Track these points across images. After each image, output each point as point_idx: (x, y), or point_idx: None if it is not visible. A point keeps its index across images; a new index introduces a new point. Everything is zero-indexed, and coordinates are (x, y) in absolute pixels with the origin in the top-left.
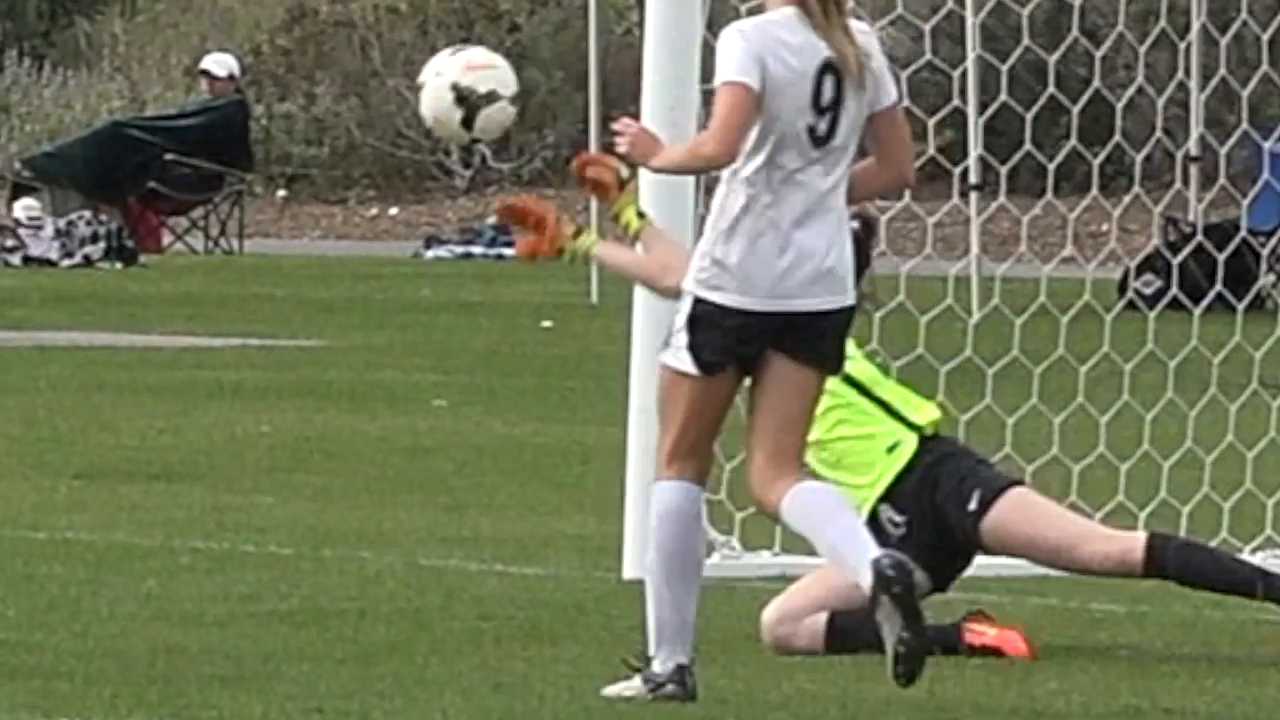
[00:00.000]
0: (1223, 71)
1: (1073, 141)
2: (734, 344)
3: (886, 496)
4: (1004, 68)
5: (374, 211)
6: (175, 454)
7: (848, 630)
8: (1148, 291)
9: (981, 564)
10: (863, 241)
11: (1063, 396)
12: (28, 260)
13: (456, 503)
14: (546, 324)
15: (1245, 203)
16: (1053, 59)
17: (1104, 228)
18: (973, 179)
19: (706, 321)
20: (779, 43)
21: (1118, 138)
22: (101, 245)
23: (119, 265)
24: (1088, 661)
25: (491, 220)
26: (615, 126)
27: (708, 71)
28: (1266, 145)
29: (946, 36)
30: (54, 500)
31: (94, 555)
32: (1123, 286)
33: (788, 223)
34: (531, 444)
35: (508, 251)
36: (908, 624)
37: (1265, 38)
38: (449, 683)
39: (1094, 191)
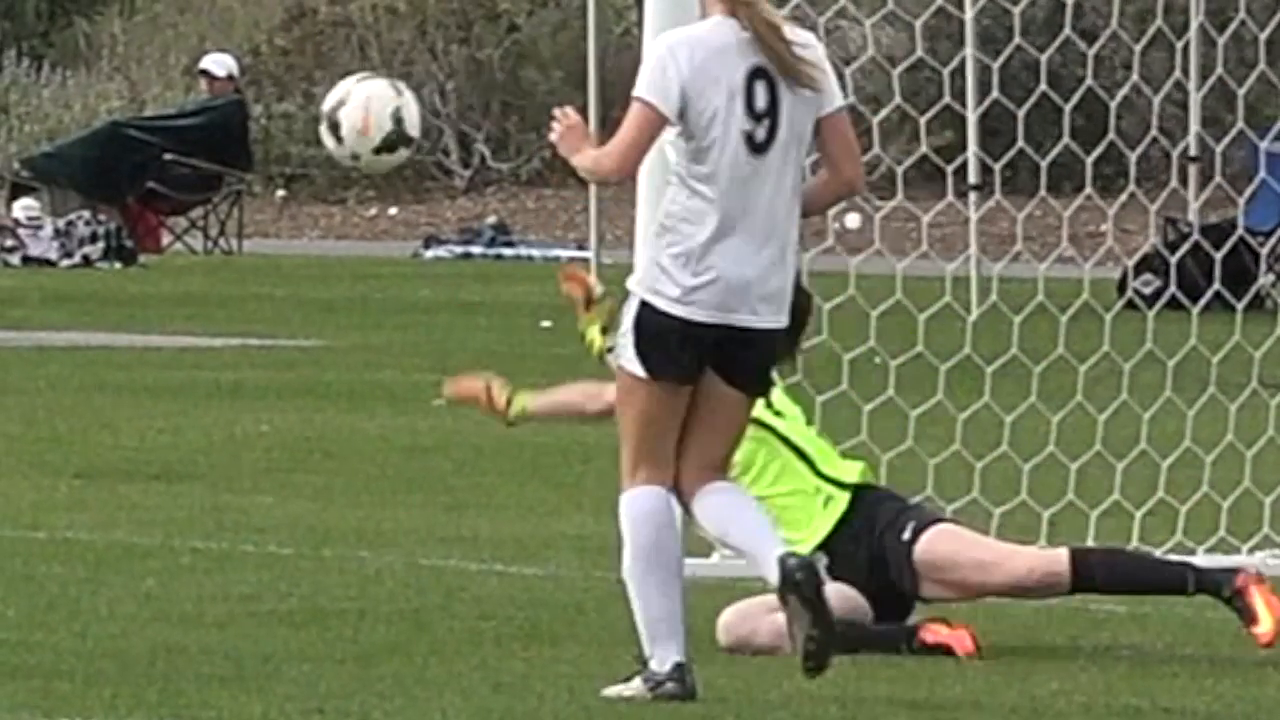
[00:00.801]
0: (1219, 70)
1: (1066, 140)
2: (676, 347)
3: (823, 545)
4: (995, 64)
5: (373, 211)
6: (175, 454)
7: None
8: (1147, 291)
9: None
10: (802, 308)
11: (1061, 395)
12: (27, 260)
13: (456, 503)
14: (546, 324)
15: (1241, 201)
16: (1043, 56)
17: (1102, 227)
18: (971, 179)
19: (650, 324)
20: (708, 51)
21: (1113, 136)
22: (101, 245)
23: (118, 265)
24: (1088, 661)
25: (491, 221)
26: (554, 113)
27: None
28: (1263, 145)
29: (945, 37)
30: (54, 500)
31: (94, 555)
32: (1122, 286)
33: (726, 231)
34: (531, 444)
35: (507, 251)
36: (815, 622)
37: (1263, 37)
38: (449, 683)
39: (1092, 191)
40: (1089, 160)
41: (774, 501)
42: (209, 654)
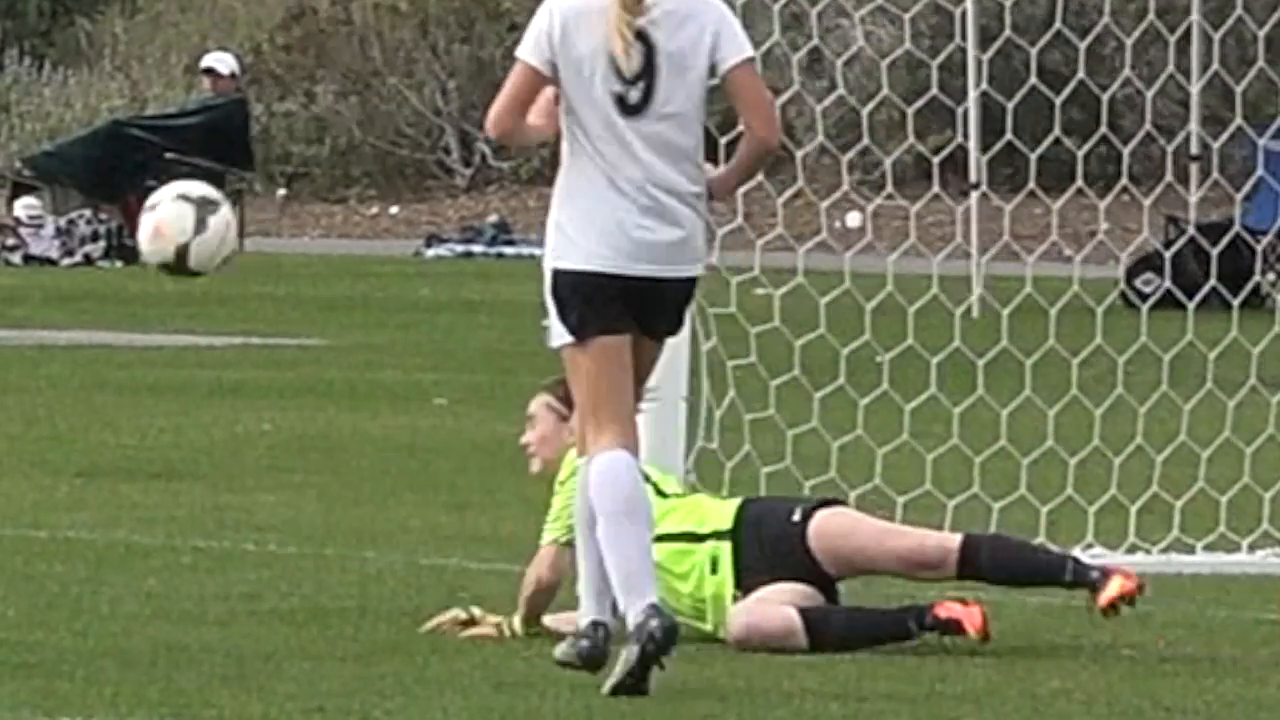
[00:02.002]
0: (1215, 66)
1: (1057, 132)
2: (598, 303)
3: (736, 578)
4: (984, 57)
5: (374, 210)
6: (176, 453)
7: (823, 626)
8: (1147, 290)
9: None
10: None
11: (1058, 391)
12: (28, 259)
13: (457, 501)
14: (547, 323)
15: (1238, 197)
16: (1034, 50)
17: (1103, 226)
18: (972, 178)
19: (565, 289)
20: (584, 13)
21: (1108, 133)
22: (102, 244)
23: (119, 264)
24: (1089, 660)
25: (492, 219)
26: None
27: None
28: (1261, 142)
29: (945, 35)
30: (55, 499)
31: (95, 554)
32: (1127, 283)
33: (610, 189)
34: None
35: (508, 250)
36: (638, 670)
37: (1262, 35)
38: (450, 682)
39: (1092, 189)
40: (1080, 153)
41: (664, 578)
42: (210, 653)
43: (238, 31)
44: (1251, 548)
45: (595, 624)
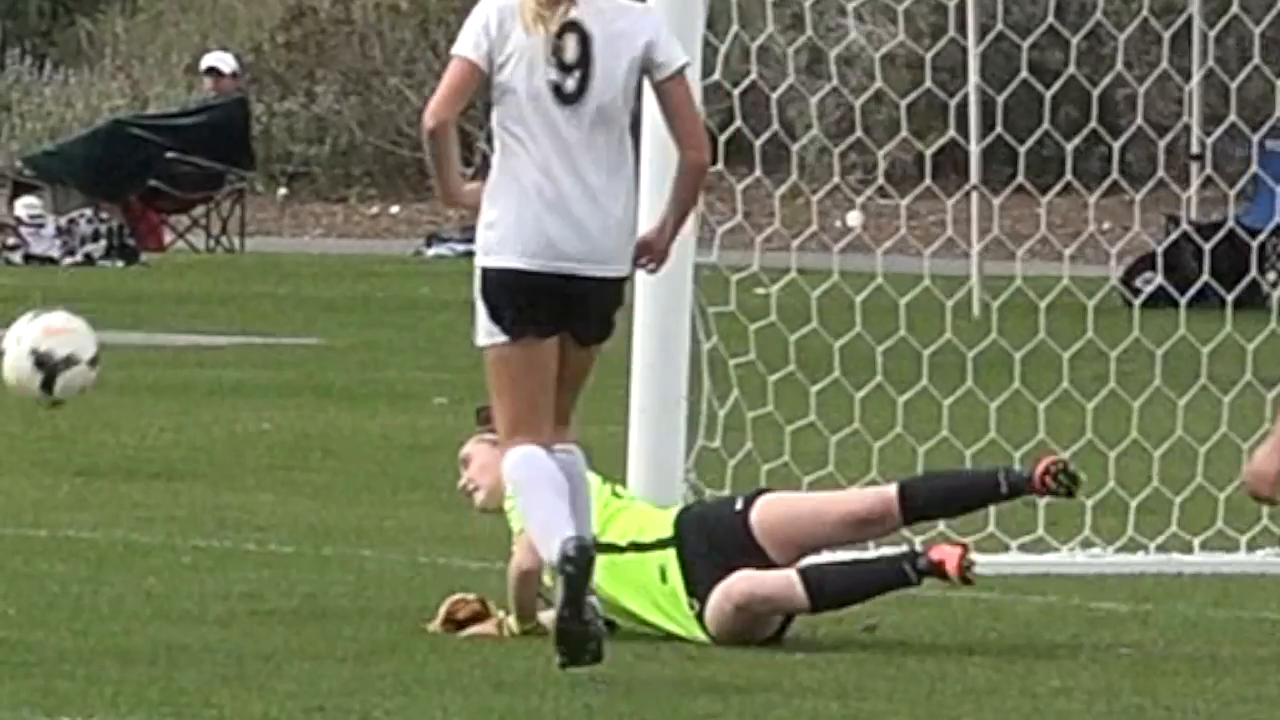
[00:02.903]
0: (1210, 63)
1: (1045, 125)
2: (525, 305)
3: (688, 586)
4: (974, 51)
5: (375, 210)
6: (176, 452)
7: (821, 584)
8: (1147, 289)
9: (982, 562)
10: None
11: (1048, 387)
12: (29, 258)
13: (457, 501)
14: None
15: (1231, 194)
16: (1025, 45)
17: (1105, 225)
18: (973, 178)
19: (495, 287)
20: (512, 9)
21: (1100, 130)
22: (103, 243)
23: (120, 263)
24: (1089, 660)
25: None
26: None
27: (708, 69)
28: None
29: (946, 35)
30: (55, 498)
31: (95, 553)
32: (1125, 283)
33: (546, 184)
34: None
35: None
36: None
37: (1258, 33)
38: (449, 681)
39: (1093, 189)
40: (1069, 147)
41: (614, 601)
42: (210, 652)
43: (238, 31)
44: (1250, 545)
45: (570, 537)
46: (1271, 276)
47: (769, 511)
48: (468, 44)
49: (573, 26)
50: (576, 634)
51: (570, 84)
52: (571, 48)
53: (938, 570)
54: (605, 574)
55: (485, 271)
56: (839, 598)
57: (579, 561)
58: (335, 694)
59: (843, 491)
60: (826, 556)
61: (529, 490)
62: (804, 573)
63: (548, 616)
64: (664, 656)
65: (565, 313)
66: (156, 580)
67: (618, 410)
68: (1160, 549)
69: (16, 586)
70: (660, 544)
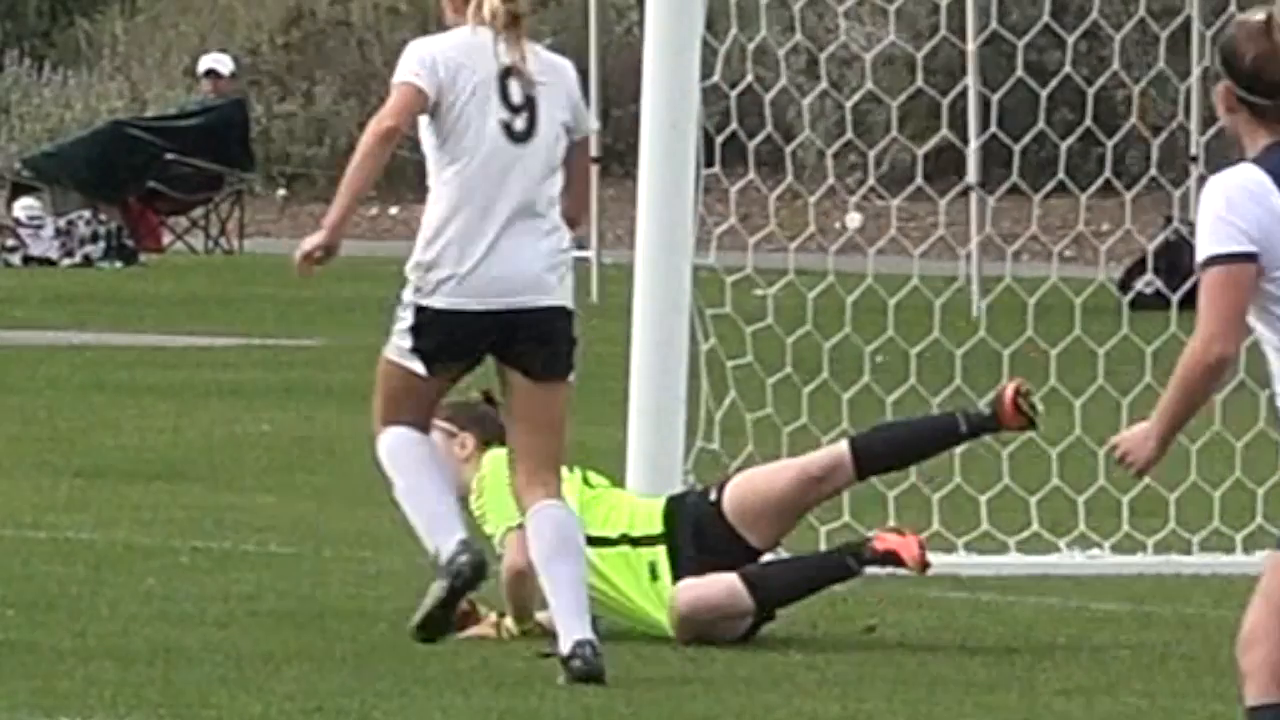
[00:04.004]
0: (1206, 62)
1: (1040, 127)
2: (456, 343)
3: (674, 569)
4: (973, 51)
5: (374, 211)
6: (175, 453)
7: (764, 582)
8: (1147, 291)
9: (981, 563)
10: None
11: (1036, 382)
12: (28, 260)
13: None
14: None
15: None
16: (1020, 43)
17: (1104, 227)
18: (972, 178)
19: (427, 329)
20: (457, 50)
21: (1093, 128)
22: (101, 245)
23: (119, 265)
24: (1089, 660)
25: None
26: None
27: (707, 70)
28: None
29: (944, 36)
30: (54, 499)
31: (94, 554)
32: (1123, 286)
33: (492, 223)
34: None
35: None
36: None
37: None
38: (449, 682)
39: (1094, 189)
40: (1063, 146)
41: (609, 599)
42: (209, 653)
43: (237, 32)
44: (1247, 545)
45: (461, 541)
46: None
47: (734, 492)
48: (423, 76)
49: (513, 71)
50: (439, 622)
51: (520, 124)
52: (516, 90)
53: (893, 559)
54: (593, 568)
55: (420, 309)
56: (782, 594)
57: (471, 580)
58: (334, 695)
59: (792, 459)
60: (769, 556)
61: (409, 478)
62: (745, 575)
63: (545, 616)
64: (664, 656)
65: (504, 348)
66: (155, 581)
67: (617, 411)
68: (1158, 549)
69: (16, 587)
70: (650, 540)
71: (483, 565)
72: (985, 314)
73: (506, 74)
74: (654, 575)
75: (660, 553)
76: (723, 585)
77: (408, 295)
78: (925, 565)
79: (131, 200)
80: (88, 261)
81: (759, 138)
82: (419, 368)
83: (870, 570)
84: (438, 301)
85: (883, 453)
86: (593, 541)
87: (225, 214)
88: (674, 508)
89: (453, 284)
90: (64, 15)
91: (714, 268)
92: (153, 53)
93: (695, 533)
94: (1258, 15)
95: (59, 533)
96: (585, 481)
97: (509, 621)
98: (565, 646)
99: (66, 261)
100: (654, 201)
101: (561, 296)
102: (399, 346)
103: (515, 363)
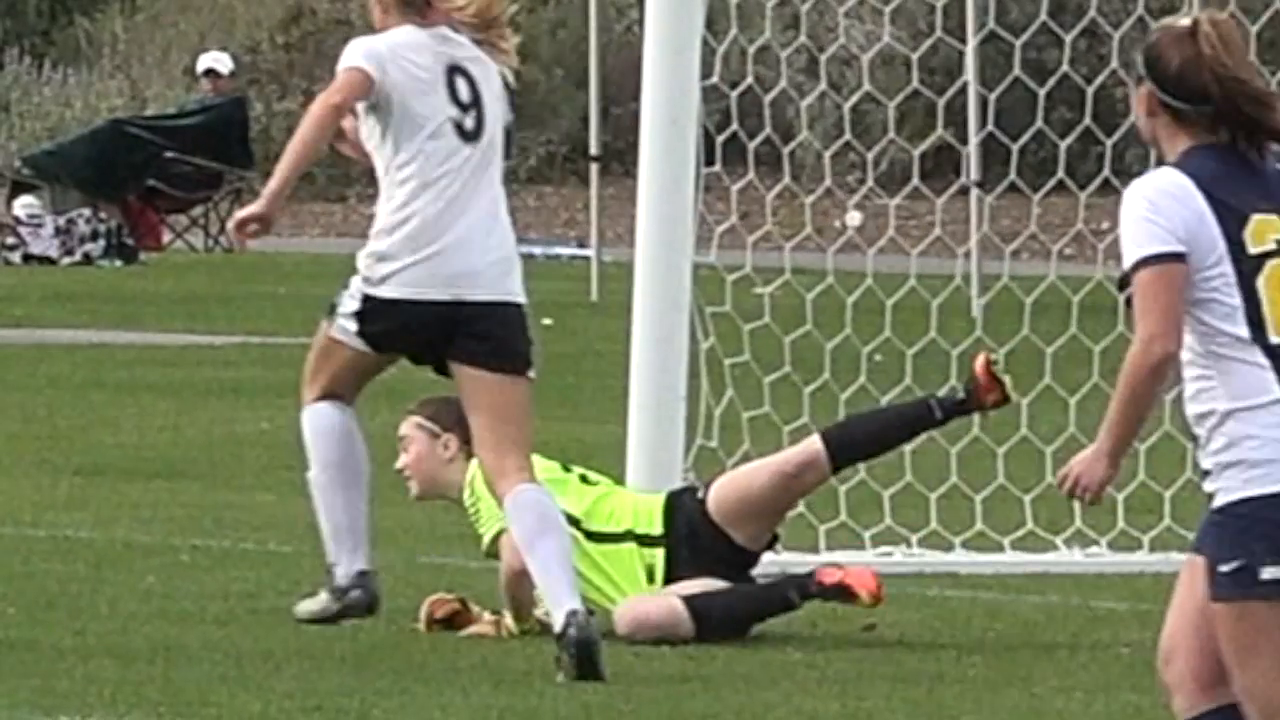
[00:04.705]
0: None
1: (1038, 127)
2: (402, 332)
3: (668, 572)
4: (972, 50)
5: (374, 209)
6: (175, 451)
7: (707, 610)
8: None
9: (981, 561)
10: None
11: (1029, 381)
12: (28, 258)
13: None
14: (546, 321)
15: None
16: (1018, 42)
17: (1103, 225)
18: (973, 176)
19: (374, 316)
20: (404, 48)
21: (1090, 127)
22: (101, 243)
23: (119, 263)
24: (1089, 659)
25: None
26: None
27: (707, 69)
28: None
29: (946, 33)
30: (54, 498)
31: (94, 553)
32: (1122, 284)
33: (445, 218)
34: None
35: None
36: (580, 675)
37: (1254, 31)
38: (448, 681)
39: (1093, 190)
40: (1062, 145)
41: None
42: (209, 651)
43: (237, 31)
44: None
45: (363, 573)
46: None
47: (717, 493)
48: (372, 64)
49: (459, 69)
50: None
51: (469, 122)
52: (464, 88)
53: (842, 595)
54: (593, 563)
55: (369, 298)
56: (722, 623)
57: (359, 615)
58: (333, 693)
59: (769, 457)
60: (716, 584)
61: (328, 474)
62: (689, 601)
63: (542, 612)
64: (664, 655)
65: (454, 342)
66: (155, 579)
67: (617, 408)
68: (1155, 546)
69: (16, 586)
70: (652, 540)
71: (375, 603)
72: (984, 312)
73: (453, 72)
74: (650, 577)
75: (658, 556)
76: (665, 608)
77: (355, 283)
78: (879, 600)
79: (131, 198)
80: (88, 260)
81: (759, 138)
82: (363, 346)
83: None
84: (385, 291)
85: (856, 443)
86: (598, 537)
87: (225, 212)
88: (672, 508)
89: (402, 274)
90: (64, 14)
91: (714, 266)
92: (152, 51)
93: (689, 534)
94: (1183, 20)
95: (59, 531)
96: (583, 479)
97: (509, 620)
98: (559, 619)
99: (66, 260)
100: (654, 199)
101: (513, 290)
102: (344, 328)
103: (468, 357)
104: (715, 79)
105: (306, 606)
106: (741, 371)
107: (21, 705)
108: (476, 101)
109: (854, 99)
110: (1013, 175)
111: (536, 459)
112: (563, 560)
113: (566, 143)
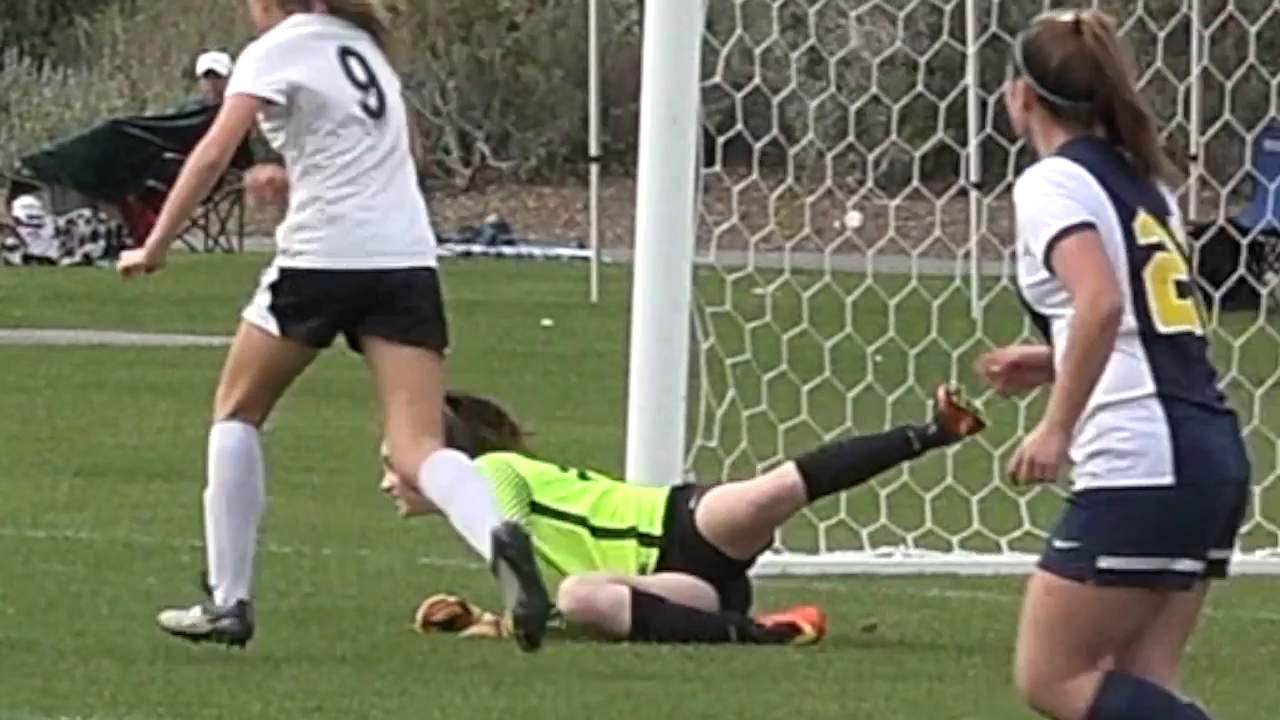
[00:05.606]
0: (1205, 63)
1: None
2: (317, 306)
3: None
4: (969, 50)
5: None
6: (175, 452)
7: (651, 612)
8: None
9: (980, 561)
10: None
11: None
12: (28, 259)
13: None
14: (546, 322)
15: (1223, 194)
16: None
17: None
18: (972, 176)
19: (290, 287)
20: (299, 41)
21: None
22: (101, 244)
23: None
24: None
25: (491, 219)
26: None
27: (707, 69)
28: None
29: (947, 33)
30: (54, 498)
31: (94, 553)
32: None
33: (361, 193)
34: (531, 442)
35: (507, 250)
36: (525, 589)
37: (1253, 31)
38: (448, 682)
39: None
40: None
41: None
42: (209, 652)
43: (237, 31)
44: (1247, 545)
45: (241, 603)
46: (1270, 277)
47: (706, 512)
48: (261, 84)
49: (349, 51)
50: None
51: (373, 101)
52: (358, 68)
53: (785, 633)
54: (593, 558)
55: (285, 270)
56: (660, 631)
57: (230, 643)
58: (334, 694)
59: (754, 480)
60: (700, 585)
61: (224, 497)
62: (639, 599)
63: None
64: (663, 655)
65: (370, 313)
66: (156, 580)
67: (617, 409)
68: None
69: (16, 586)
70: (652, 540)
71: (247, 635)
72: (984, 313)
73: (345, 54)
74: (642, 574)
75: (653, 557)
76: (612, 598)
77: (278, 261)
78: (822, 632)
79: (131, 199)
80: (87, 260)
81: (764, 140)
82: (273, 327)
83: (865, 579)
84: (301, 262)
85: (833, 474)
86: (603, 533)
87: (225, 213)
88: (672, 509)
89: (317, 245)
90: (64, 14)
91: (714, 266)
92: (152, 52)
93: (683, 540)
94: (1065, 16)
95: (59, 532)
96: (582, 475)
97: (508, 621)
98: (487, 544)
99: (66, 260)
100: (654, 200)
101: (428, 257)
102: (258, 305)
103: (387, 332)
104: (717, 79)
105: (175, 616)
106: (742, 371)
107: (21, 705)
108: (373, 79)
109: (860, 102)
110: (1011, 177)
111: (532, 463)
112: (486, 496)
113: (566, 143)
